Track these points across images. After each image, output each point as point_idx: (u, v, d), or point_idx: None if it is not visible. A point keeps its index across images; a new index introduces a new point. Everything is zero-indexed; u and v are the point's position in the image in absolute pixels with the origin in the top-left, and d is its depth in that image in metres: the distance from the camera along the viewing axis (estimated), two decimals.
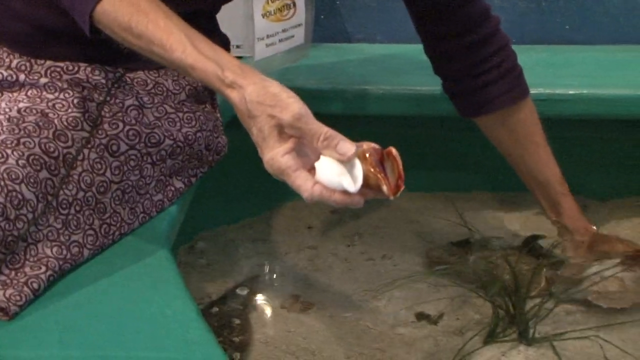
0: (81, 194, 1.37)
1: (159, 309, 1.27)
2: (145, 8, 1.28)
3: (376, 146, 1.22)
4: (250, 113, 1.20)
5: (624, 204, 2.12)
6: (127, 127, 1.46)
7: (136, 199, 1.47)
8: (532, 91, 1.91)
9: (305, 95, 1.92)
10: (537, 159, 1.81)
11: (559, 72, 2.10)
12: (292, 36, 1.88)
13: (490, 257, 1.85)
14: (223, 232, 2.03)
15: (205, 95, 1.62)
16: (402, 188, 1.20)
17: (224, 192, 2.03)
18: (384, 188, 1.18)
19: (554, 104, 1.94)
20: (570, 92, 1.95)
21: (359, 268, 1.89)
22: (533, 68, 2.10)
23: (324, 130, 1.18)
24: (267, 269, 1.90)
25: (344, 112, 1.98)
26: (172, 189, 1.54)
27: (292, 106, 1.18)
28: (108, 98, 1.46)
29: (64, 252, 1.33)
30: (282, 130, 1.19)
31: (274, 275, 1.88)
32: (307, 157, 1.22)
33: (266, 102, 1.19)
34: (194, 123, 1.55)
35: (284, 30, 1.85)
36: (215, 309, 1.74)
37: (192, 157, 1.56)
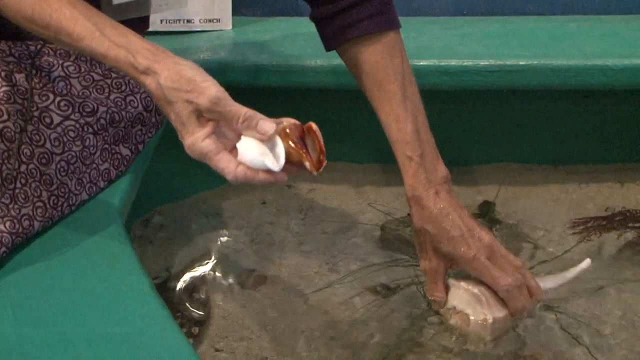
0: (23, 167, 1.36)
1: (113, 285, 1.27)
2: None
3: (296, 122, 1.23)
4: (167, 99, 1.20)
5: (576, 170, 2.14)
6: (58, 98, 1.45)
7: (82, 169, 1.46)
8: (483, 62, 1.93)
9: (257, 69, 1.94)
10: (389, 112, 1.58)
11: (509, 43, 2.11)
12: None
13: None
14: (178, 207, 2.02)
15: None
16: (325, 163, 1.21)
17: (178, 166, 2.02)
18: (307, 164, 1.20)
19: (505, 75, 1.95)
20: (521, 62, 1.96)
21: (314, 242, 1.89)
22: (484, 39, 2.12)
23: (242, 111, 1.19)
24: (221, 243, 1.90)
25: (295, 85, 1.97)
26: (119, 157, 1.53)
27: (209, 90, 1.18)
28: (34, 71, 1.45)
29: (16, 226, 1.33)
30: (200, 115, 1.19)
31: (230, 250, 1.88)
32: (227, 139, 1.22)
33: (182, 87, 1.19)
34: (123, 87, 1.54)
35: None
36: (171, 284, 1.74)
37: (134, 122, 1.55)
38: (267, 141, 1.20)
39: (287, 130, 1.21)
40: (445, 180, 1.57)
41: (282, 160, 1.19)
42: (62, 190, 1.42)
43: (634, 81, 1.95)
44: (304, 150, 1.21)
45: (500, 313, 1.50)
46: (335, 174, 2.13)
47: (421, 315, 1.61)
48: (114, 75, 1.55)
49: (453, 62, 1.94)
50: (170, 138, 1.72)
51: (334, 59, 1.93)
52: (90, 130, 1.48)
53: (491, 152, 2.17)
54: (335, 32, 1.61)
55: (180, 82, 1.19)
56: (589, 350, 1.54)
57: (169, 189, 2.04)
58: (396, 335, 1.59)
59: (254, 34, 2.20)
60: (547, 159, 2.16)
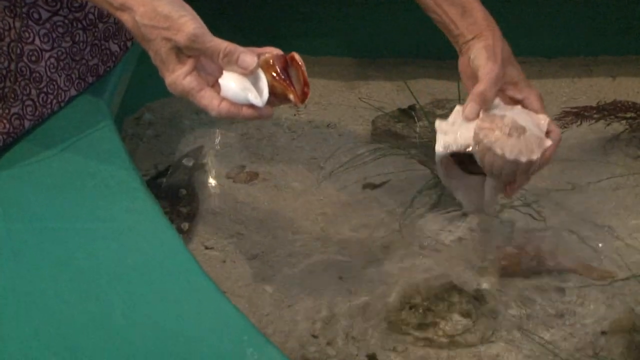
0: (13, 65, 1.35)
1: (103, 180, 1.27)
2: None
3: (279, 52, 1.20)
4: (144, 37, 1.17)
5: (570, 63, 2.13)
6: None
7: (72, 65, 1.45)
8: None
9: None
10: None
11: None
12: None
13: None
14: (168, 103, 2.01)
15: None
16: (309, 94, 1.19)
17: None
18: (291, 96, 1.18)
19: None
20: None
21: (305, 137, 1.89)
22: None
23: (222, 46, 1.15)
24: (212, 139, 1.89)
25: None
26: (108, 52, 1.52)
27: (186, 27, 1.14)
28: None
29: (7, 126, 1.32)
30: (180, 52, 1.16)
31: (220, 146, 1.87)
32: (208, 73, 1.19)
33: (159, 24, 1.15)
34: None
35: None
36: (161, 180, 1.74)
37: None
38: (250, 75, 1.17)
39: (270, 62, 1.18)
40: None
41: (266, 95, 1.17)
42: (51, 87, 1.41)
43: None
44: (288, 82, 1.19)
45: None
46: (325, 68, 2.12)
47: (409, 206, 1.63)
48: None
49: None
50: None
51: None
52: (80, 25, 1.46)
53: None
54: None
55: (157, 19, 1.15)
56: (582, 239, 1.56)
57: (159, 86, 2.01)
58: (385, 226, 1.60)
59: None
60: (541, 51, 2.15)
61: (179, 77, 1.17)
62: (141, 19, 1.15)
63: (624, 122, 1.83)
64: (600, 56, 2.13)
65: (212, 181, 1.75)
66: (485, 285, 1.48)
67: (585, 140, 1.83)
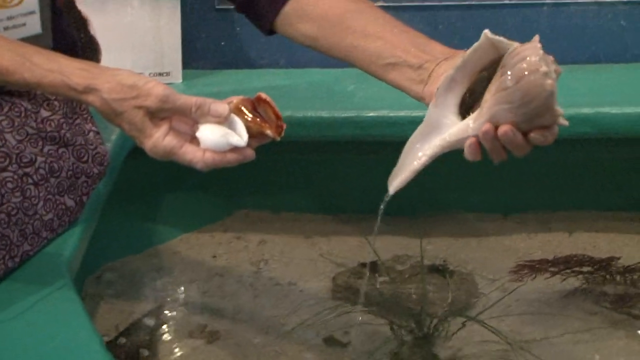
0: None
1: (62, 343, 1.25)
2: None
3: (245, 97, 1.27)
4: (115, 112, 1.22)
5: (526, 219, 2.16)
6: None
7: (25, 220, 1.44)
8: None
9: None
10: (376, 31, 1.40)
11: None
12: (24, 24, 1.70)
13: (397, 279, 1.86)
14: (128, 262, 2.01)
15: (73, 107, 1.59)
16: (285, 126, 1.26)
17: (128, 221, 2.01)
18: (268, 132, 1.24)
19: None
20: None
21: (266, 294, 1.89)
22: None
23: (192, 100, 1.22)
24: (173, 298, 1.88)
25: None
26: (63, 207, 1.51)
27: (154, 91, 1.20)
28: None
29: None
30: (153, 116, 1.21)
31: (181, 305, 1.86)
32: (183, 132, 1.24)
33: (127, 95, 1.21)
34: (57, 139, 1.52)
35: (9, 18, 1.68)
36: (122, 340, 1.72)
37: (77, 173, 1.53)
38: (224, 122, 1.22)
39: (240, 107, 1.25)
40: None
41: (246, 136, 1.22)
42: (3, 242, 1.40)
43: (581, 130, 1.96)
44: (262, 120, 1.25)
45: None
46: (285, 224, 2.13)
47: None
48: (48, 128, 1.52)
49: (402, 113, 1.94)
50: (119, 192, 1.72)
51: (285, 111, 1.93)
52: (30, 180, 1.46)
53: (442, 202, 2.18)
54: (264, 10, 1.51)
55: (124, 90, 1.21)
56: None
57: (119, 244, 2.02)
58: None
59: (204, 86, 2.20)
60: (497, 208, 2.18)
61: (159, 139, 1.21)
62: (109, 94, 1.21)
63: (580, 276, 1.85)
64: (557, 212, 2.16)
65: (173, 340, 1.74)
66: None
67: (543, 294, 1.84)
